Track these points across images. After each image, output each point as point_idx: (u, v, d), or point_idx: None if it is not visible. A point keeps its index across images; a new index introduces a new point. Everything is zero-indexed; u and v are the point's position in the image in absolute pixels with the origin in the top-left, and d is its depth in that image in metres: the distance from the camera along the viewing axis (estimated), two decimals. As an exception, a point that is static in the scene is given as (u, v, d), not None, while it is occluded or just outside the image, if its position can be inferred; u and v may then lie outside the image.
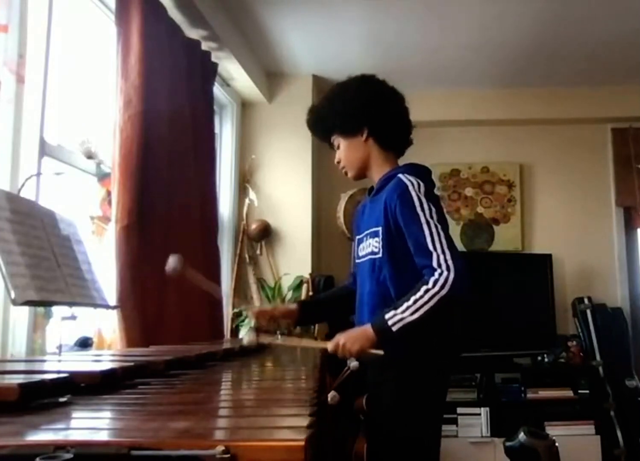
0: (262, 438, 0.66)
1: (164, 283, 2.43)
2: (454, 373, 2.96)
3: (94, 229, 2.25)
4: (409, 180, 1.75)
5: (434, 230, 1.67)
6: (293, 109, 3.98)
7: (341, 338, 1.69)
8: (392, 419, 1.77)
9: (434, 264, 1.63)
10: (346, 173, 1.95)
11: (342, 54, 3.74)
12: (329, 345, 1.70)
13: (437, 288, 1.60)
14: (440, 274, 1.61)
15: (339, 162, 1.94)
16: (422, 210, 1.70)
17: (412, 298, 1.61)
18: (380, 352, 1.65)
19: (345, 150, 1.91)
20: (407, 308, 1.61)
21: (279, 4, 3.14)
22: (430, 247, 1.65)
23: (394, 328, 1.61)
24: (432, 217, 1.69)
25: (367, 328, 1.67)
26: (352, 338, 1.68)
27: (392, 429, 1.76)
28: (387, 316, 1.63)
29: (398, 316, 1.61)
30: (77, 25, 2.38)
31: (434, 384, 1.78)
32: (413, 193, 1.72)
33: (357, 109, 1.86)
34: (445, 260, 1.62)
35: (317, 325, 3.38)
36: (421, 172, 1.85)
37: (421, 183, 1.75)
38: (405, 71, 3.97)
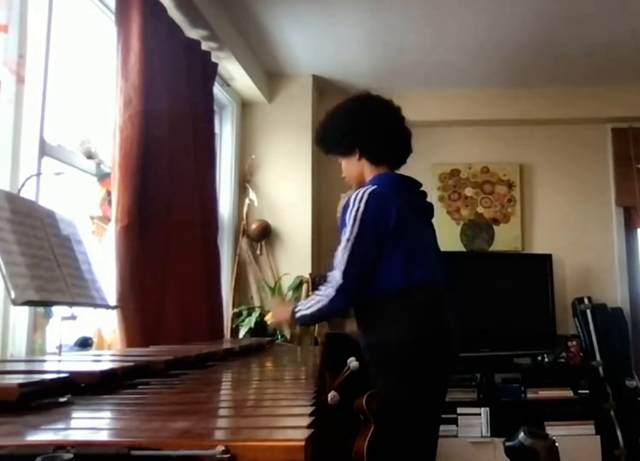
0: (262, 438, 0.66)
1: (164, 283, 2.43)
2: (454, 373, 2.96)
3: (94, 229, 2.25)
4: (355, 195, 1.87)
5: (343, 245, 1.85)
6: (293, 109, 3.99)
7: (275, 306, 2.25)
8: (390, 417, 1.80)
9: (330, 278, 1.88)
10: (351, 187, 2.09)
11: (342, 54, 3.74)
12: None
13: (323, 297, 1.87)
14: (326, 289, 1.87)
15: (344, 177, 2.10)
16: (349, 221, 1.84)
17: (310, 297, 1.97)
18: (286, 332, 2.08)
19: (345, 168, 2.07)
20: (306, 303, 1.95)
21: (279, 4, 3.14)
22: (336, 262, 1.87)
23: (296, 315, 1.96)
24: (352, 231, 1.83)
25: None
26: (279, 309, 2.18)
27: (389, 427, 1.79)
28: (298, 303, 2.01)
29: (300, 306, 1.96)
30: (77, 25, 2.38)
31: (428, 382, 1.82)
32: (349, 207, 1.85)
33: (346, 133, 1.99)
34: (334, 279, 1.85)
35: (317, 325, 3.38)
36: (382, 180, 1.93)
37: (365, 193, 1.84)
38: (405, 71, 3.97)
